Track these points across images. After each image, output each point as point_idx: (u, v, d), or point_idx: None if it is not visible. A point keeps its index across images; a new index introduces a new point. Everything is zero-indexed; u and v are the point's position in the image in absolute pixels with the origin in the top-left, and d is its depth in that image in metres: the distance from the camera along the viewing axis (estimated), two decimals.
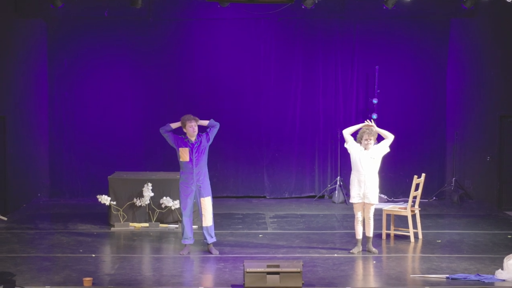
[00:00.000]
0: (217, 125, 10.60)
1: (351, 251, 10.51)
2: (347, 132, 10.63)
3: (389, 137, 10.49)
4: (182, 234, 10.52)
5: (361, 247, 10.54)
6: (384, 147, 10.48)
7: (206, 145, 10.48)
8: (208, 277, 9.32)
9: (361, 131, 10.48)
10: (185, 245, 10.54)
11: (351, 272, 9.58)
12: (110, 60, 14.84)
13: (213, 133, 10.55)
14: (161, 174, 12.82)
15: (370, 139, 10.33)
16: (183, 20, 14.89)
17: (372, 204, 10.47)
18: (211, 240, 10.50)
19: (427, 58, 14.90)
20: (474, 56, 14.82)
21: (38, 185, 14.87)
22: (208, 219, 10.44)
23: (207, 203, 10.44)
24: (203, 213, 10.45)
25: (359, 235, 10.56)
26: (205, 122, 10.60)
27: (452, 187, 14.74)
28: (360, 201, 10.46)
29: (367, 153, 10.38)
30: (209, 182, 10.53)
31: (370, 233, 10.55)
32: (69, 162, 14.98)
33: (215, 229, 10.68)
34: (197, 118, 10.48)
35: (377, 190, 10.49)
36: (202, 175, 10.42)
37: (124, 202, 12.14)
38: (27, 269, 9.50)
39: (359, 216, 10.50)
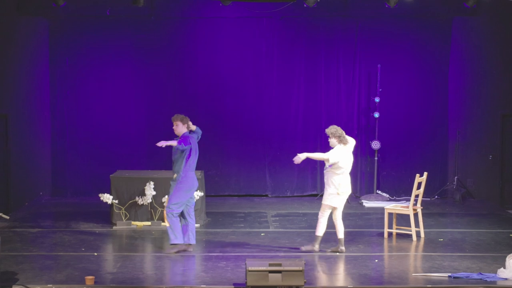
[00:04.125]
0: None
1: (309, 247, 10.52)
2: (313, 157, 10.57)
3: (320, 157, 10.40)
4: None
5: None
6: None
7: (178, 146, 10.21)
8: (210, 276, 9.31)
9: None
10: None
11: (353, 270, 9.57)
12: (112, 59, 14.84)
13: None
14: (163, 172, 12.80)
15: (330, 138, 10.42)
16: (185, 19, 14.88)
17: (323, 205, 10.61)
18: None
19: (429, 57, 14.89)
20: (476, 54, 14.80)
21: (41, 184, 14.87)
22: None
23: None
24: None
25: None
26: (193, 127, 10.51)
27: (454, 185, 14.73)
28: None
29: None
30: (179, 187, 10.36)
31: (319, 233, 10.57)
32: (71, 161, 14.98)
33: (217, 227, 10.63)
34: (175, 117, 10.46)
35: (327, 190, 10.62)
36: (178, 175, 10.42)
37: (126, 200, 12.14)
38: (29, 267, 9.51)
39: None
